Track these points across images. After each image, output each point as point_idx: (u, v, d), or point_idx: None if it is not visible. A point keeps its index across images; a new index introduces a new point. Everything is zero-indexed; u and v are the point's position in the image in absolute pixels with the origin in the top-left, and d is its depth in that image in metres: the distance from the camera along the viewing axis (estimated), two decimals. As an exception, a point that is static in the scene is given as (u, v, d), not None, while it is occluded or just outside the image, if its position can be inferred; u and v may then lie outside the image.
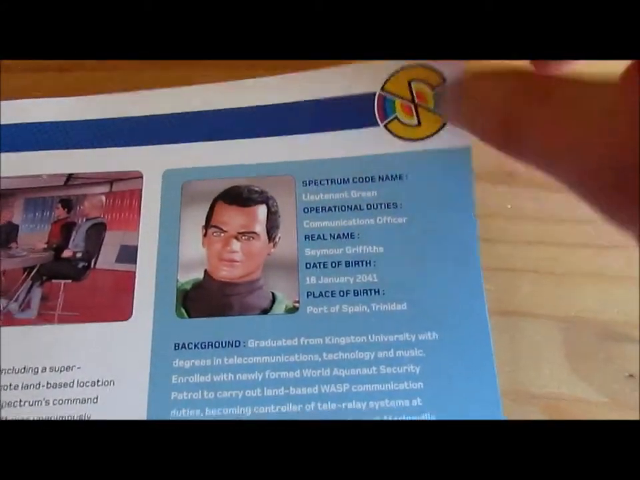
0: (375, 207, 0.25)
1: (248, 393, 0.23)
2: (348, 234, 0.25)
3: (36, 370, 0.23)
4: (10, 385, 0.23)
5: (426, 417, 0.22)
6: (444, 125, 0.26)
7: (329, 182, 0.26)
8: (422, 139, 0.26)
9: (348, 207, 0.25)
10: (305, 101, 0.27)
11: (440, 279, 0.24)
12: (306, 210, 0.25)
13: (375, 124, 0.26)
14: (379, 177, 0.25)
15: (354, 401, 0.22)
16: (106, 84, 0.27)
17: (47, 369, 0.23)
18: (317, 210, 0.25)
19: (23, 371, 0.23)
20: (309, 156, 0.26)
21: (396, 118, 0.26)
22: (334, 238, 0.25)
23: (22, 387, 0.23)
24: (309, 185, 0.26)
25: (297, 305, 0.24)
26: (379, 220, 0.25)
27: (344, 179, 0.26)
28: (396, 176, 0.25)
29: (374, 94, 0.26)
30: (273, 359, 0.23)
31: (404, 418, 0.22)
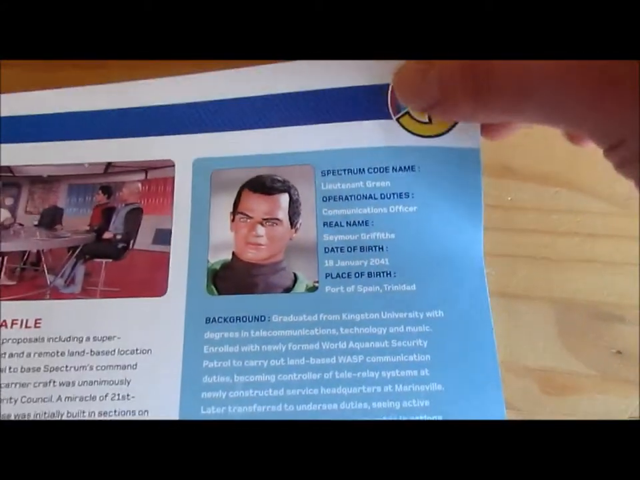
0: (388, 196, 0.27)
1: (272, 362, 0.25)
2: (363, 221, 0.27)
3: (80, 339, 0.25)
4: (57, 352, 0.25)
5: (432, 386, 0.24)
6: (454, 124, 0.27)
7: (346, 172, 0.27)
8: (432, 136, 0.27)
9: (363, 196, 0.27)
10: (324, 89, 0.28)
11: (446, 263, 0.26)
12: (324, 199, 0.27)
13: (388, 117, 0.27)
14: (393, 168, 0.27)
15: (368, 371, 0.25)
16: (138, 71, 0.29)
17: (91, 339, 0.25)
18: (334, 199, 0.27)
19: (68, 339, 0.25)
20: (326, 146, 0.28)
21: (407, 113, 0.27)
22: (350, 225, 0.27)
23: (68, 354, 0.25)
24: (327, 174, 0.28)
25: (316, 284, 0.26)
26: (392, 209, 0.27)
27: (360, 169, 0.27)
28: (408, 167, 0.27)
29: (387, 85, 0.27)
30: (295, 332, 0.25)
31: (412, 387, 0.24)
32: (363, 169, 0.27)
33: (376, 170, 0.27)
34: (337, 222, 0.27)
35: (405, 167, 0.27)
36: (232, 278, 0.26)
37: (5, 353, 0.25)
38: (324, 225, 0.27)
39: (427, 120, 0.27)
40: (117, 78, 0.29)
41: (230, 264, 0.27)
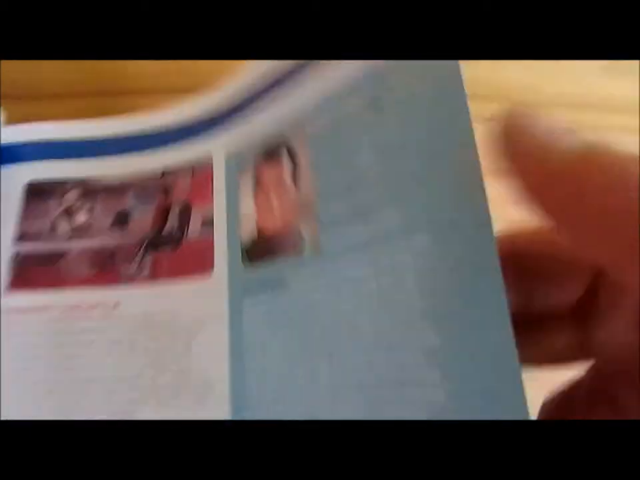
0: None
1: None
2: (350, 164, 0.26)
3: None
4: (134, 327, 0.31)
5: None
6: None
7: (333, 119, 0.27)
8: None
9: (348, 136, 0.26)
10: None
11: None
12: (313, 145, 0.28)
13: None
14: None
15: None
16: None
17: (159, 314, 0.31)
18: (324, 146, 0.28)
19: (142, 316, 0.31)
20: (315, 103, 0.29)
21: None
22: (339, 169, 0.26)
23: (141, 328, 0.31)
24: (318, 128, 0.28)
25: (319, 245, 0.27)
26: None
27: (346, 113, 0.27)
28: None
29: None
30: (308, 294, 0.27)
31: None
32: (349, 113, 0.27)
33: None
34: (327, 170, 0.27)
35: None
36: (257, 249, 0.30)
37: (94, 328, 0.31)
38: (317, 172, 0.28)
39: None
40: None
41: (256, 236, 0.30)
